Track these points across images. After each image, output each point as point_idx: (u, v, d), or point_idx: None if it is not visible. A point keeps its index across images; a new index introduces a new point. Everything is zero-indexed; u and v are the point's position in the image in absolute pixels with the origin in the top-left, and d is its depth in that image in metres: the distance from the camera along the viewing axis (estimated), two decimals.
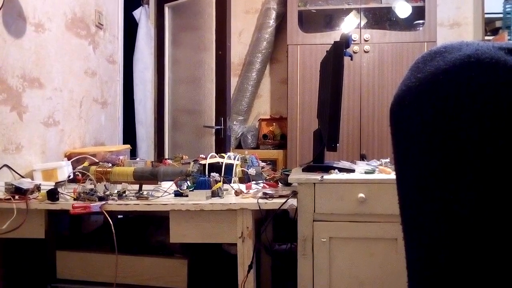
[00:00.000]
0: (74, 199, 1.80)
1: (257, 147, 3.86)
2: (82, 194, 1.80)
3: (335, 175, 1.81)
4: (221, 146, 3.20)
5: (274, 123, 3.92)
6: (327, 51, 2.04)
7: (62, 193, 1.83)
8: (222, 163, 2.07)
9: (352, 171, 1.89)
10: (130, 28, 3.70)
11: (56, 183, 1.97)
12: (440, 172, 0.48)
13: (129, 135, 3.65)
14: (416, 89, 0.51)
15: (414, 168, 0.53)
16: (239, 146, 3.88)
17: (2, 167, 2.06)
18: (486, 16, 3.67)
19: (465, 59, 0.45)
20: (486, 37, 3.63)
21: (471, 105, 0.44)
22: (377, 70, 3.45)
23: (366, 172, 1.86)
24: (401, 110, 0.54)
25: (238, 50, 4.04)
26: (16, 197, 1.79)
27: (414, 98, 0.51)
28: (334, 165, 1.91)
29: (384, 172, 1.86)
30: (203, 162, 2.10)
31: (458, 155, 0.46)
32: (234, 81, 3.87)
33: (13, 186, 1.83)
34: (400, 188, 0.58)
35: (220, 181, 1.90)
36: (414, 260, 0.58)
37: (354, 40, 3.44)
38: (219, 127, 3.24)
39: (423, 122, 0.49)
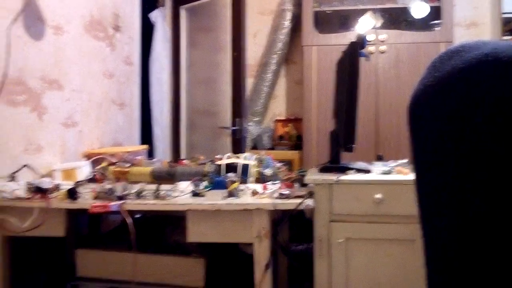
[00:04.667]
0: (93, 199, 1.82)
1: (272, 148, 3.87)
2: (101, 194, 1.83)
3: (351, 176, 1.81)
4: (237, 147, 3.21)
5: (289, 124, 3.93)
6: (342, 51, 2.04)
7: (81, 193, 1.86)
8: (238, 163, 2.08)
9: (369, 171, 1.89)
10: (147, 30, 3.74)
11: (76, 182, 2.00)
12: (457, 171, 0.48)
13: (146, 135, 3.68)
14: (433, 88, 0.51)
15: (432, 167, 0.53)
16: (254, 147, 3.89)
17: (22, 167, 2.11)
18: (504, 16, 3.63)
19: (483, 58, 0.45)
20: (504, 37, 3.59)
21: (488, 104, 0.44)
22: (393, 71, 3.43)
23: (383, 173, 1.86)
24: (418, 109, 0.54)
25: (253, 51, 4.06)
26: (37, 196, 1.83)
27: (432, 97, 0.51)
28: (351, 166, 1.91)
29: (401, 172, 1.86)
30: (219, 162, 2.12)
31: (475, 154, 0.46)
32: (249, 82, 3.88)
33: (34, 185, 1.86)
34: (418, 187, 0.58)
35: (236, 182, 1.91)
36: (431, 261, 0.58)
37: (370, 41, 3.43)
38: (235, 128, 3.25)
39: (441, 121, 0.49)
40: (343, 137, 1.85)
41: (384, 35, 3.45)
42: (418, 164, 0.58)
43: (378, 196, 1.72)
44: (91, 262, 2.01)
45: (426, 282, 0.58)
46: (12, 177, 2.01)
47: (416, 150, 0.57)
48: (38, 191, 1.85)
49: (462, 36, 3.74)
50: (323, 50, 3.51)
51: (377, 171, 1.89)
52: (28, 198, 1.82)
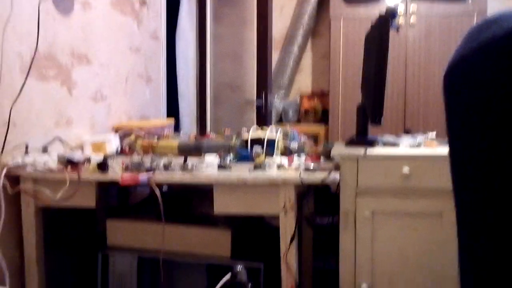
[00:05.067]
0: (123, 171, 1.86)
1: (298, 122, 3.86)
2: (130, 166, 1.87)
3: (379, 150, 1.79)
4: (263, 121, 3.21)
5: (315, 98, 3.90)
6: (371, 24, 2.00)
7: (111, 165, 1.90)
8: (264, 137, 2.08)
9: (397, 145, 1.86)
10: (173, 5, 3.72)
11: (105, 155, 2.04)
12: (492, 143, 0.47)
13: (172, 109, 3.71)
14: (471, 57, 0.50)
15: (468, 138, 0.52)
16: (280, 121, 3.88)
17: (54, 139, 2.16)
18: None
19: None
20: None
21: None
22: (423, 43, 3.35)
23: (411, 146, 1.83)
24: (455, 79, 0.53)
25: (279, 25, 4.01)
26: (68, 168, 1.88)
27: (469, 66, 0.50)
28: (378, 140, 1.89)
29: (430, 145, 1.83)
30: (245, 136, 2.12)
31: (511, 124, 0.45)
32: (275, 56, 3.85)
33: (65, 157, 1.91)
34: (452, 158, 0.57)
35: (262, 155, 1.92)
36: (464, 235, 0.58)
37: (400, 12, 3.34)
38: (260, 102, 3.24)
39: (478, 90, 0.48)
40: (371, 110, 1.82)
41: (414, 6, 3.35)
42: (452, 135, 0.57)
43: (406, 170, 1.70)
44: (121, 232, 2.06)
45: (458, 252, 0.57)
46: (45, 150, 2.07)
47: (451, 121, 0.56)
48: (69, 163, 1.89)
49: (496, 7, 3.60)
50: (351, 22, 3.44)
51: (405, 145, 1.86)
52: (60, 170, 1.87)
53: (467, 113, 0.51)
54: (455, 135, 0.55)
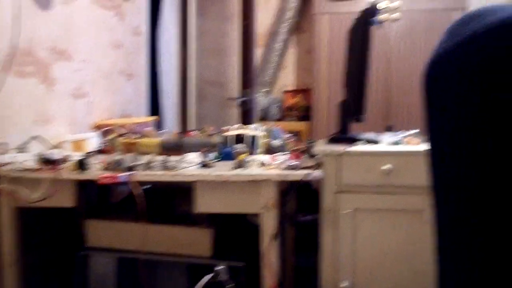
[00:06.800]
0: (103, 170, 1.83)
1: (281, 119, 3.85)
2: (110, 165, 1.84)
3: (360, 147, 1.79)
4: (246, 118, 3.20)
5: (298, 95, 3.89)
6: (354, 19, 1.99)
7: (91, 164, 1.87)
8: (246, 134, 2.07)
9: (378, 142, 1.87)
10: (155, 0, 3.68)
11: (85, 153, 2.01)
12: (472, 139, 0.47)
13: (155, 106, 3.68)
14: (451, 53, 0.50)
15: (447, 134, 0.52)
16: (263, 118, 3.87)
17: (32, 138, 2.12)
18: None
19: (501, 22, 0.44)
20: None
21: (508, 67, 0.43)
22: (406, 39, 3.36)
23: (392, 144, 1.83)
24: (436, 74, 0.53)
25: (263, 20, 3.98)
26: (47, 167, 1.84)
27: (450, 62, 0.50)
28: (360, 137, 1.89)
29: (411, 143, 1.83)
30: (227, 133, 2.11)
31: (494, 118, 0.45)
32: (258, 52, 3.83)
33: (44, 156, 1.88)
34: (432, 155, 0.57)
35: (244, 153, 1.90)
36: (441, 231, 0.57)
37: (383, 8, 3.34)
38: (243, 98, 3.23)
39: (459, 85, 0.48)
40: (353, 107, 1.82)
41: (397, 1, 3.36)
42: (431, 131, 0.57)
43: (387, 167, 1.70)
44: (101, 232, 2.04)
45: (435, 251, 0.57)
46: (22, 149, 2.03)
47: (430, 117, 0.56)
48: (48, 162, 1.86)
49: (478, 3, 3.63)
50: (335, 18, 3.44)
51: (386, 142, 1.87)
52: (38, 169, 1.84)
53: (446, 109, 0.51)
54: (434, 131, 0.55)
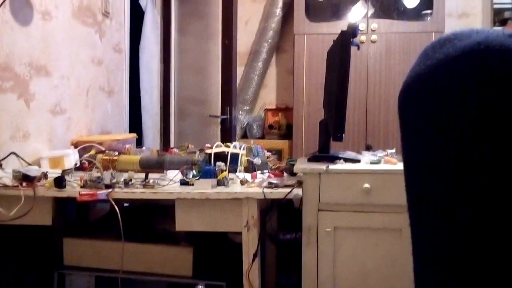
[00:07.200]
0: (81, 187, 1.81)
1: (262, 137, 3.87)
2: (88, 182, 1.81)
3: (340, 165, 1.81)
4: (227, 136, 3.20)
5: (279, 113, 3.92)
6: (333, 40, 2.03)
7: (69, 181, 1.84)
8: (227, 152, 2.07)
9: (358, 161, 1.89)
10: (137, 17, 3.69)
11: (63, 171, 1.98)
12: (446, 160, 0.48)
13: (135, 123, 3.65)
14: (425, 76, 0.50)
15: (421, 156, 0.53)
16: (244, 136, 3.88)
17: (9, 154, 2.08)
18: (495, 6, 3.64)
19: (475, 46, 0.45)
20: (495, 28, 3.60)
21: (480, 92, 0.44)
22: (384, 60, 3.43)
23: (371, 162, 1.86)
24: (410, 97, 0.54)
25: (244, 39, 4.03)
26: (24, 184, 1.81)
27: (423, 84, 0.51)
28: (340, 155, 1.91)
29: (390, 162, 1.86)
30: (208, 151, 2.11)
31: (465, 142, 0.45)
32: (240, 71, 3.86)
33: (21, 173, 1.84)
34: (407, 176, 0.58)
35: (225, 170, 1.90)
36: (419, 251, 0.58)
37: (361, 30, 3.42)
38: (224, 116, 3.24)
39: (432, 108, 0.49)
40: (333, 127, 1.85)
41: (375, 24, 3.44)
42: (406, 153, 0.57)
43: (367, 185, 1.73)
44: (78, 251, 2.00)
45: (414, 270, 0.58)
46: None
47: (406, 138, 0.57)
48: (25, 179, 1.82)
49: (453, 26, 3.74)
50: (314, 38, 3.50)
51: (366, 161, 1.89)
52: (15, 186, 1.80)
53: (420, 130, 0.52)
54: (409, 152, 0.56)
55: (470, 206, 0.46)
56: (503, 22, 3.60)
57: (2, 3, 2.03)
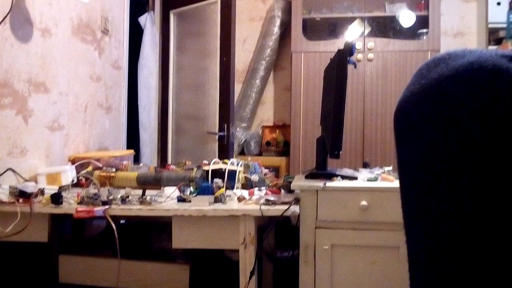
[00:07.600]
0: (78, 203, 1.80)
1: (260, 154, 3.87)
2: (85, 199, 1.81)
3: (337, 183, 1.81)
4: (224, 153, 3.20)
5: (277, 130, 3.93)
6: (331, 59, 2.05)
7: (65, 197, 1.84)
8: (225, 169, 2.07)
9: (355, 178, 1.89)
10: (136, 34, 3.72)
11: (60, 187, 1.97)
12: (441, 177, 0.48)
13: (133, 140, 3.66)
14: (419, 95, 0.51)
15: (417, 173, 0.53)
16: (242, 153, 3.89)
17: (6, 170, 2.07)
18: (490, 26, 3.69)
19: (468, 66, 0.46)
20: (490, 47, 3.64)
21: (473, 111, 0.44)
22: (380, 79, 3.46)
23: (368, 180, 1.86)
24: (404, 116, 0.54)
25: (242, 57, 4.06)
26: (20, 200, 1.80)
27: (417, 104, 0.51)
28: (337, 173, 1.91)
29: (387, 180, 1.86)
30: (206, 168, 2.11)
31: (460, 161, 0.46)
32: (238, 88, 3.88)
33: (17, 189, 1.84)
34: (403, 194, 0.58)
35: (223, 187, 1.90)
36: (416, 268, 0.58)
37: (358, 49, 3.46)
38: (222, 133, 3.24)
39: (426, 128, 0.50)
40: (330, 144, 1.85)
41: (371, 43, 3.47)
42: (402, 171, 0.58)
43: (364, 203, 1.72)
44: (74, 268, 1.98)
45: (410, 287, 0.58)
46: None
47: (401, 157, 0.57)
48: (22, 195, 1.82)
49: (449, 45, 3.79)
50: (312, 57, 3.53)
51: (363, 178, 1.90)
52: (11, 203, 1.80)
53: (415, 149, 0.52)
54: (404, 171, 0.57)
55: (461, 225, 0.47)
56: (498, 41, 3.65)
57: (2, 20, 2.05)
